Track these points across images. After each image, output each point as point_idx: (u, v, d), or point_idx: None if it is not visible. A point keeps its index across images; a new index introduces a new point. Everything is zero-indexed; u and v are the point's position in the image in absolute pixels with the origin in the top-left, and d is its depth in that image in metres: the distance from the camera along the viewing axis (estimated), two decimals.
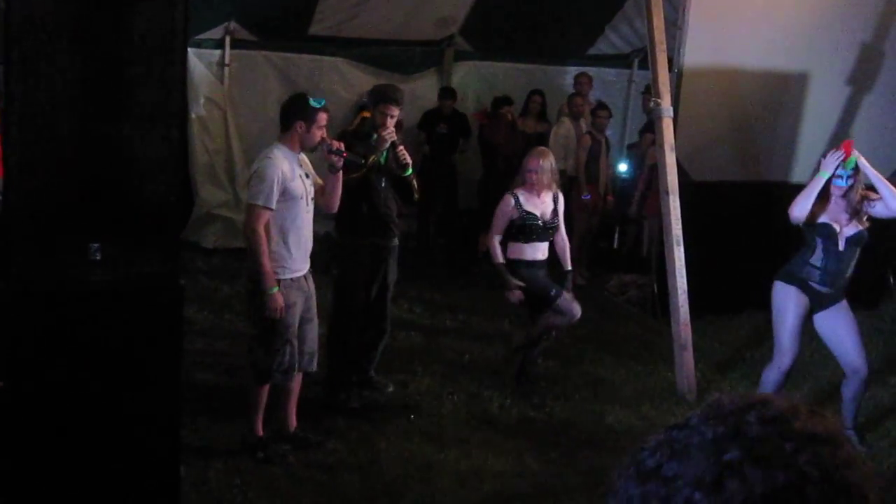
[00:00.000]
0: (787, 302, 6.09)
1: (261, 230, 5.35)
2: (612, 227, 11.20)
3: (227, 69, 10.29)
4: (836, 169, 5.90)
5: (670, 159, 7.08)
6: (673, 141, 7.15)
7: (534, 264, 6.84)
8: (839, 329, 6.10)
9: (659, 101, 7.07)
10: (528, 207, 6.79)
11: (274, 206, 5.37)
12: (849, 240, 5.98)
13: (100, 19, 4.29)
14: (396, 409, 6.55)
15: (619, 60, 12.40)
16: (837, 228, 5.97)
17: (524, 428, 6.42)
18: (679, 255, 7.04)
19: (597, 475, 5.46)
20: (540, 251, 6.90)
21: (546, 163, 6.78)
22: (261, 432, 5.73)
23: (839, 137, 9.17)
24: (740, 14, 8.40)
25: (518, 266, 6.84)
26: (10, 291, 4.28)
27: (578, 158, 10.10)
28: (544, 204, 6.84)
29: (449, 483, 5.61)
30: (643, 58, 10.73)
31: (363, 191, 6.31)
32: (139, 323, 4.54)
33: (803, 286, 6.06)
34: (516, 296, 6.78)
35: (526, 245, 6.85)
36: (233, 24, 10.09)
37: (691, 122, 8.32)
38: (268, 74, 10.59)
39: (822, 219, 5.99)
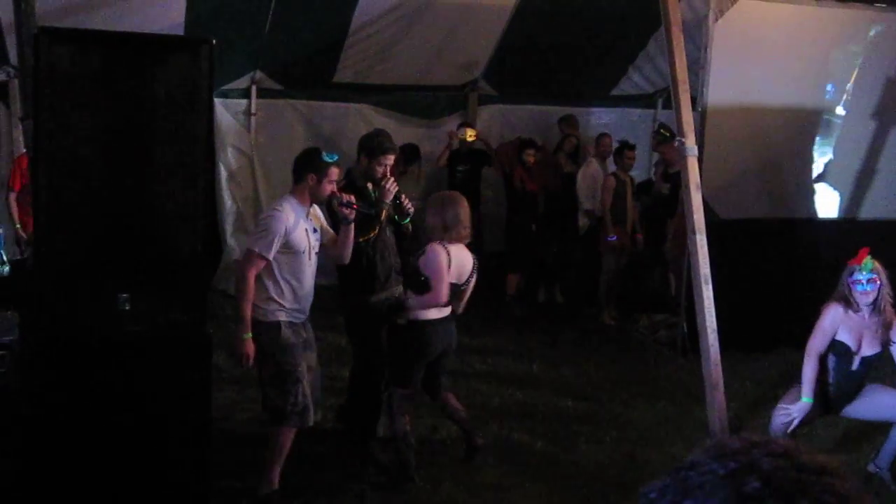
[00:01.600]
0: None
1: (251, 277, 5.35)
2: (642, 267, 11.11)
3: (253, 118, 10.41)
4: (854, 274, 5.70)
5: (696, 198, 7.05)
6: (699, 180, 7.13)
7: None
8: (870, 404, 5.96)
9: (683, 140, 7.06)
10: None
11: (271, 256, 5.37)
12: (864, 360, 5.82)
13: (126, 74, 4.37)
14: (426, 454, 6.51)
15: (643, 100, 12.42)
16: (854, 348, 5.78)
17: (555, 471, 6.37)
18: (708, 293, 6.98)
19: None
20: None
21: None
22: (276, 484, 5.56)
23: (866, 172, 9.15)
24: (763, 51, 8.41)
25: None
26: (40, 342, 4.32)
27: (604, 200, 10.09)
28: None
29: None
30: (667, 97, 10.74)
31: (373, 244, 6.28)
32: (168, 371, 4.58)
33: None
34: None
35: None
36: (258, 74, 10.22)
37: (717, 161, 8.31)
38: (294, 122, 10.70)
39: (842, 334, 5.77)
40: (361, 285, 6.29)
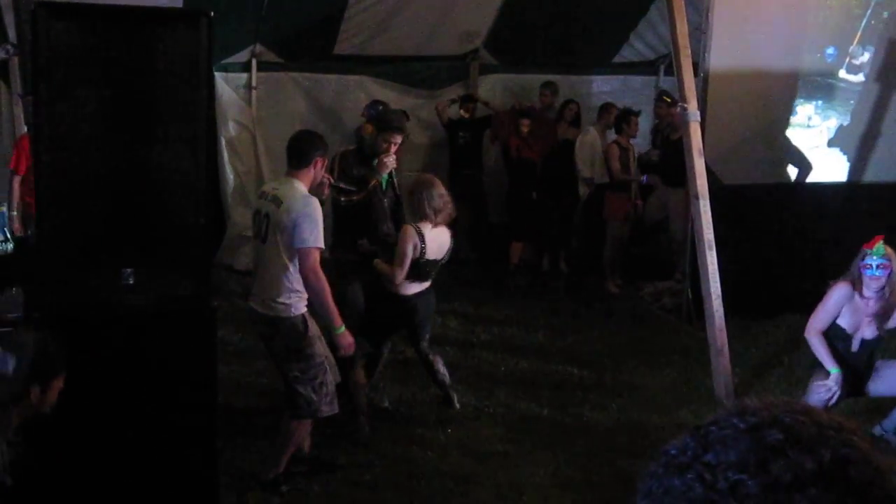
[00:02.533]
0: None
1: (321, 272, 5.22)
2: (645, 234, 11.10)
3: (254, 92, 10.38)
4: (865, 258, 5.71)
5: (699, 164, 7.04)
6: (701, 145, 7.11)
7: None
8: (888, 379, 5.98)
9: (686, 105, 7.04)
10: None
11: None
12: (864, 342, 5.85)
13: (124, 48, 4.35)
14: (433, 424, 6.55)
15: (645, 67, 12.34)
16: (850, 331, 5.81)
17: (562, 438, 6.40)
18: (712, 259, 6.99)
19: (635, 484, 5.41)
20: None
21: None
22: (283, 468, 5.58)
23: (870, 135, 9.12)
24: (764, 15, 8.36)
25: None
26: (44, 318, 4.33)
27: (613, 168, 10.05)
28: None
29: (488, 496, 5.60)
30: (669, 64, 10.69)
31: (366, 210, 6.37)
32: (173, 345, 4.59)
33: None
34: None
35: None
36: (258, 47, 10.18)
37: (719, 126, 8.28)
38: (294, 95, 10.66)
39: (842, 318, 5.81)
40: (351, 246, 6.54)
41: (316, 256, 5.22)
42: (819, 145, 9.04)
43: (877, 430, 6.09)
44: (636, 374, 7.63)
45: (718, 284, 6.99)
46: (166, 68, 4.38)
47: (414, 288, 6.39)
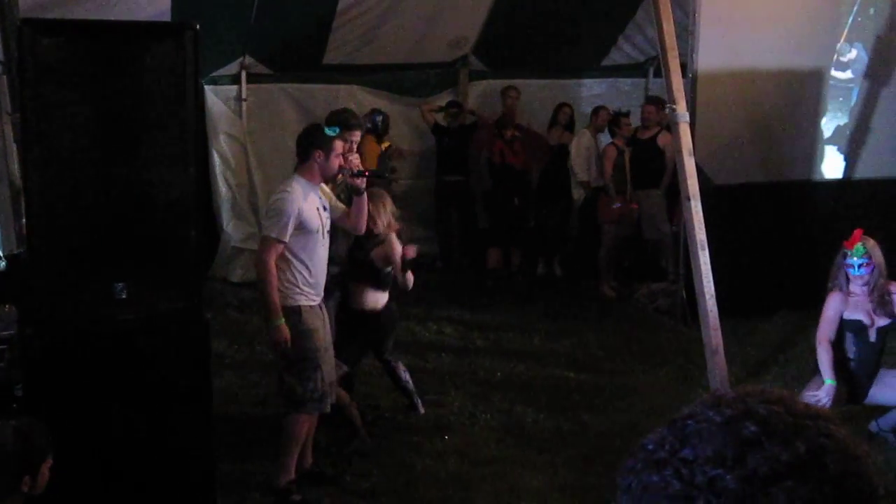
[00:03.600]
0: None
1: (271, 263, 5.28)
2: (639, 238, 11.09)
3: (244, 104, 10.39)
4: (846, 258, 5.82)
5: (690, 164, 7.04)
6: (691, 146, 7.12)
7: None
8: (891, 387, 6.01)
9: (674, 106, 7.04)
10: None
11: (287, 239, 5.31)
12: (880, 330, 5.93)
13: (110, 63, 4.36)
14: (431, 430, 6.54)
15: (634, 70, 12.38)
16: (868, 322, 5.89)
17: (559, 442, 6.40)
18: (705, 259, 6.99)
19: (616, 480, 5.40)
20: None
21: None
22: (293, 474, 5.56)
23: (859, 132, 9.14)
24: (752, 14, 8.38)
25: None
26: (37, 334, 4.32)
27: (606, 170, 10.08)
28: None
29: (486, 502, 5.59)
30: (658, 65, 10.71)
31: None
32: (167, 358, 4.58)
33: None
34: None
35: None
36: (247, 59, 10.19)
37: (709, 126, 8.30)
38: (285, 106, 10.67)
39: (850, 313, 5.89)
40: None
41: (269, 246, 5.31)
42: (809, 142, 9.05)
43: (873, 427, 6.10)
44: (633, 376, 7.63)
45: (712, 284, 6.99)
46: (154, 82, 4.39)
47: (381, 301, 6.44)
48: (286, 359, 5.44)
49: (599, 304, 9.78)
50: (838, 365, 5.87)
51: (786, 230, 8.78)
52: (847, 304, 5.88)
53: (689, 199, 6.98)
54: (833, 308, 5.90)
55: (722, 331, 7.00)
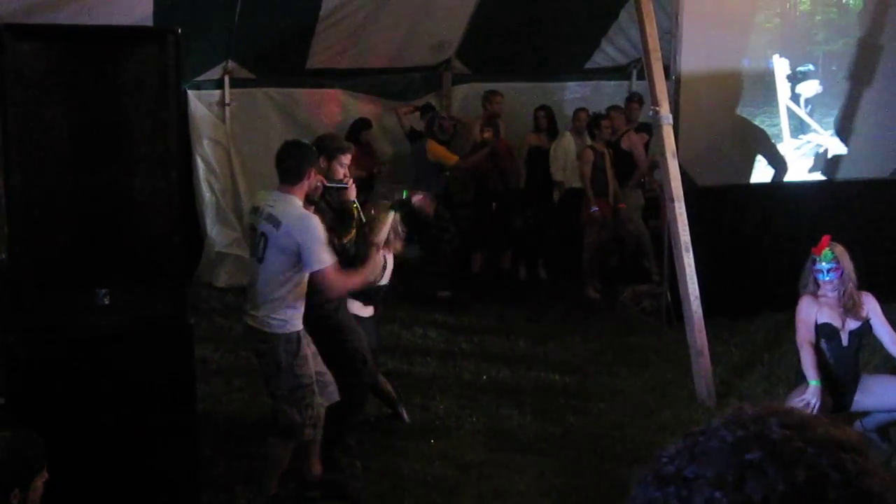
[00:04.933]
0: None
1: (341, 278, 5.22)
2: (622, 240, 11.10)
3: (227, 108, 10.35)
4: (815, 264, 5.88)
5: (673, 166, 7.07)
6: (674, 148, 7.15)
7: None
8: (877, 396, 6.03)
9: (658, 108, 7.07)
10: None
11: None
12: (852, 334, 5.95)
13: (92, 68, 4.34)
14: (416, 434, 6.53)
15: (617, 73, 12.42)
16: (839, 325, 5.92)
17: (544, 445, 6.40)
18: (689, 261, 7.02)
19: (620, 488, 5.42)
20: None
21: None
22: (274, 490, 5.47)
23: (843, 132, 9.18)
24: (734, 16, 8.43)
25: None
26: (19, 341, 4.30)
27: (583, 173, 10.10)
28: None
29: None
30: (641, 68, 10.75)
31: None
32: (151, 364, 4.57)
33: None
34: None
35: None
36: (230, 64, 10.15)
37: (692, 128, 8.33)
38: (268, 111, 10.63)
39: (822, 318, 5.93)
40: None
41: (331, 272, 5.14)
42: (793, 144, 9.09)
43: (856, 426, 6.13)
44: (618, 377, 7.64)
45: (696, 286, 7.03)
46: (135, 87, 4.37)
47: (364, 311, 6.29)
48: (285, 388, 5.24)
49: (584, 307, 9.79)
50: (820, 371, 5.88)
51: (769, 231, 8.82)
52: (819, 304, 5.92)
53: (672, 201, 7.01)
54: (805, 311, 5.96)
55: (706, 331, 7.03)
